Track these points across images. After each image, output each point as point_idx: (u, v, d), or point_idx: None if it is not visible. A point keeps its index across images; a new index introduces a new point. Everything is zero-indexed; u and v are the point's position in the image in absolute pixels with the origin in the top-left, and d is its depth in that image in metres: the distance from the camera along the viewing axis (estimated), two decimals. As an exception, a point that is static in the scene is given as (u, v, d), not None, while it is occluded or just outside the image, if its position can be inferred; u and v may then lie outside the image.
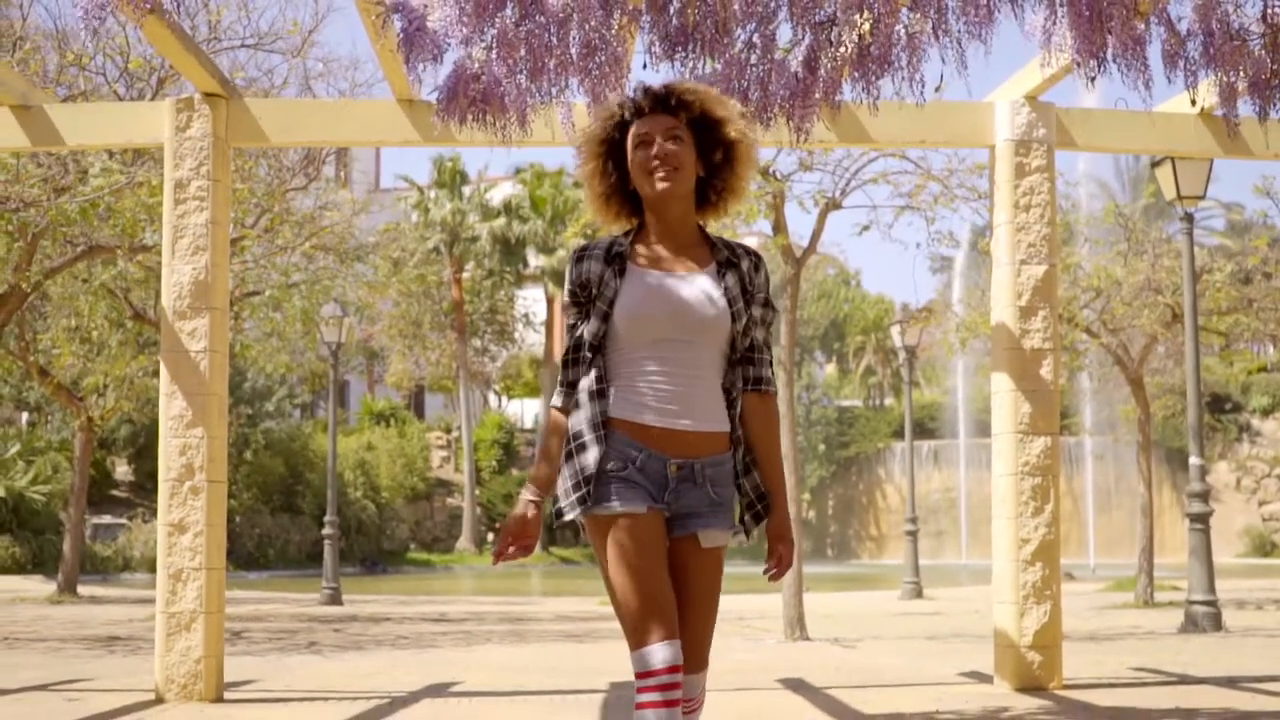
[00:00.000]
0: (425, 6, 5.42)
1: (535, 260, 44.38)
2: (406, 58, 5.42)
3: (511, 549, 3.36)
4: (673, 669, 3.26)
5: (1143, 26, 5.84)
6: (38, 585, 24.35)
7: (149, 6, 4.21)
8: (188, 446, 7.67)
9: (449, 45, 5.41)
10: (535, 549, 3.31)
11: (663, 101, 3.45)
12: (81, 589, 21.23)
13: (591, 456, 3.32)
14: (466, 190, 43.61)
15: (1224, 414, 42.92)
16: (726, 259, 3.47)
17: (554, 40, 5.47)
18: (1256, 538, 41.08)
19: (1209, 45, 5.92)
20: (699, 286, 3.40)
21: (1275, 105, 6.05)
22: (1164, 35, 5.92)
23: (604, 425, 3.35)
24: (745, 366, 3.50)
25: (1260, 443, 43.19)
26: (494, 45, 5.40)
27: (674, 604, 3.32)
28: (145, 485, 35.21)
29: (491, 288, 43.68)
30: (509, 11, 5.37)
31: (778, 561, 3.46)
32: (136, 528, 31.59)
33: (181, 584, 7.62)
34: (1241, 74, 5.95)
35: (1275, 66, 6.02)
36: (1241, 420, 43.60)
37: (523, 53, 5.43)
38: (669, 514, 3.37)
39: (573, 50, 5.49)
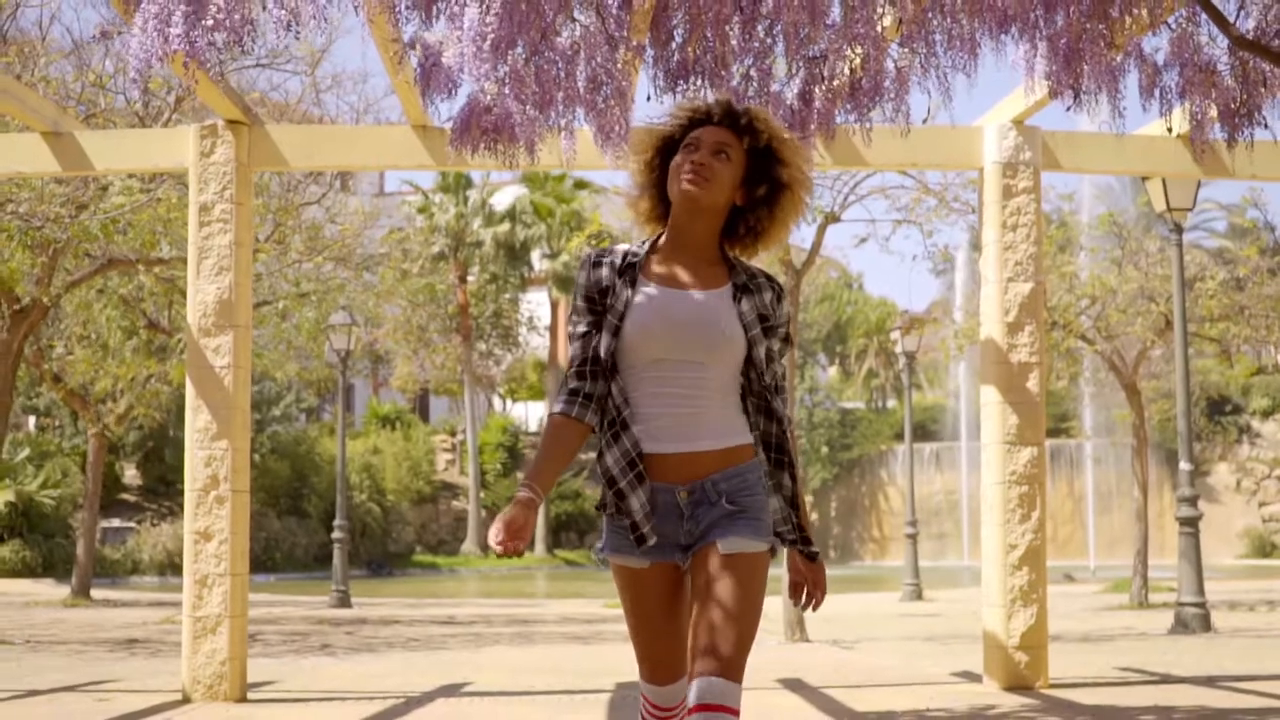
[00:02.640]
0: (440, 44, 5.77)
1: (539, 264, 44.70)
2: (423, 91, 5.78)
3: (509, 545, 3.12)
4: (665, 709, 3.37)
5: (1119, 59, 6.20)
6: (48, 589, 24.70)
7: (196, 60, 4.55)
8: (212, 458, 8.03)
9: (463, 80, 5.77)
10: (526, 548, 3.30)
11: (733, 118, 3.34)
12: (93, 592, 21.58)
13: (636, 504, 3.23)
14: (471, 195, 43.90)
15: (1224, 416, 43.15)
16: (744, 283, 3.33)
17: (562, 75, 5.81)
18: (1256, 539, 41.34)
19: (1183, 76, 6.27)
20: (710, 307, 3.27)
21: (1243, 132, 6.41)
22: (1140, 66, 6.28)
23: (638, 461, 3.23)
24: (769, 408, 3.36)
25: (1260, 444, 43.42)
26: (506, 80, 5.74)
27: (678, 651, 3.31)
28: (154, 489, 35.56)
29: (496, 292, 44.01)
30: (520, 49, 5.70)
31: (812, 588, 3.36)
32: (145, 531, 31.90)
33: (207, 589, 7.98)
34: (1212, 103, 6.32)
35: (1244, 96, 6.37)
36: (1241, 422, 43.83)
37: (533, 87, 5.77)
38: (689, 541, 3.26)
39: (580, 84, 5.84)
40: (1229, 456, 43.29)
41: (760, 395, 3.32)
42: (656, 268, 3.34)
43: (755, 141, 3.31)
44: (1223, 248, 37.65)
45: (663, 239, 3.39)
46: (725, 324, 3.26)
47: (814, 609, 3.40)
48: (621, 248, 3.40)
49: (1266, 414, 43.64)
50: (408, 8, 5.24)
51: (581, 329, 3.32)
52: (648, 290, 3.28)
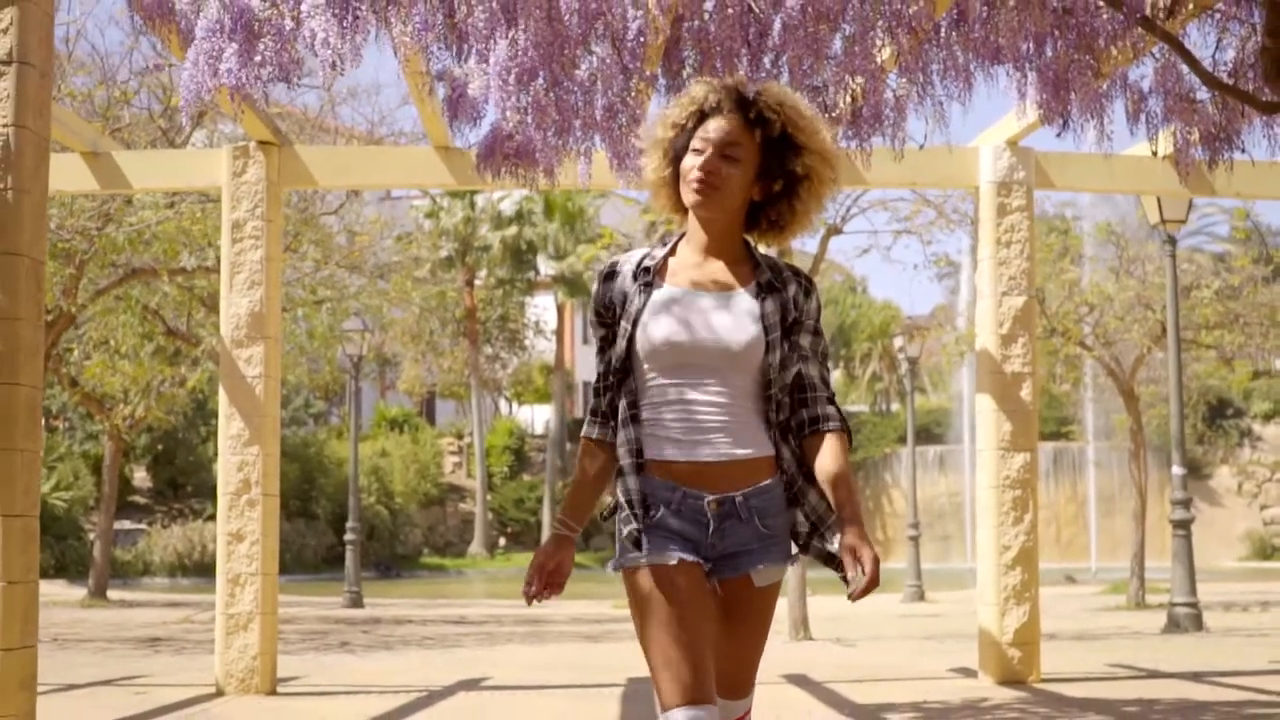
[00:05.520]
0: (467, 76, 6.16)
1: (546, 268, 45.06)
2: (450, 120, 6.18)
3: (545, 591, 3.11)
4: None
5: (1105, 87, 6.60)
6: (62, 590, 25.04)
7: (243, 97, 4.95)
8: (244, 463, 8.44)
9: (487, 109, 6.17)
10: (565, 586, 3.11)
11: (743, 108, 3.12)
12: (108, 593, 21.96)
13: (633, 482, 3.10)
14: (479, 199, 44.23)
15: (1225, 420, 43.45)
16: (769, 281, 3.15)
17: (580, 104, 6.23)
18: (1257, 541, 41.61)
19: (1166, 103, 6.66)
20: (731, 310, 3.10)
21: (1223, 155, 6.80)
22: (1126, 94, 6.67)
23: (639, 453, 3.10)
24: (798, 409, 3.17)
25: (1261, 448, 43.68)
26: (528, 109, 6.14)
27: (707, 664, 3.00)
28: (164, 492, 35.94)
29: (503, 296, 44.38)
30: (541, 80, 6.10)
31: (868, 581, 2.96)
32: (156, 533, 32.26)
33: (240, 588, 8.39)
34: (1194, 128, 6.71)
35: (1224, 122, 6.76)
36: (1243, 425, 44.12)
37: (553, 115, 6.18)
38: (714, 555, 3.09)
39: (596, 112, 6.25)
40: (1230, 460, 43.55)
41: (781, 403, 3.16)
42: (675, 269, 3.18)
43: (768, 131, 3.11)
44: (1226, 252, 38.03)
45: (683, 240, 3.23)
46: (747, 329, 3.09)
47: (856, 594, 2.99)
48: (638, 252, 3.25)
49: (1268, 418, 43.93)
50: (440, 48, 5.63)
51: (598, 345, 3.23)
52: (664, 294, 3.13)
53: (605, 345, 3.20)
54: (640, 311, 3.11)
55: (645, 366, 3.12)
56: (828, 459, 3.13)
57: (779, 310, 3.12)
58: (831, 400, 3.20)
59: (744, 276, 3.16)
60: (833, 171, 3.18)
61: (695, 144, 3.12)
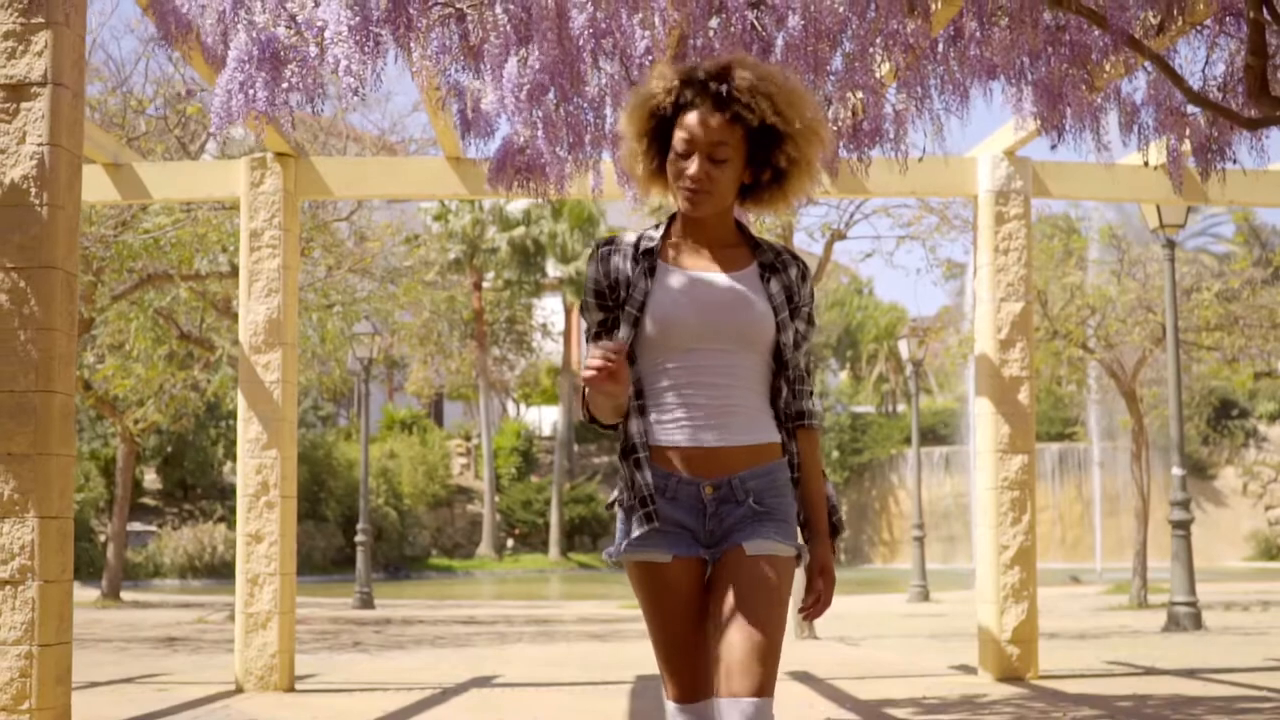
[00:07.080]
0: (480, 91, 6.40)
1: (554, 270, 45.27)
2: (463, 134, 6.41)
3: (608, 372, 2.87)
4: None
5: (1099, 99, 6.82)
6: (75, 590, 25.21)
7: (268, 118, 5.19)
8: (263, 466, 8.68)
9: (499, 123, 6.40)
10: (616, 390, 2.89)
11: (721, 105, 3.00)
12: (121, 594, 22.21)
13: (640, 475, 3.05)
14: (487, 202, 44.42)
15: (1231, 420, 43.58)
16: (770, 262, 3.12)
17: (590, 119, 6.45)
18: (1263, 541, 41.76)
19: (1157, 116, 6.88)
20: (737, 289, 3.06)
21: (1215, 165, 7.01)
22: (1119, 106, 6.88)
23: (647, 446, 3.05)
24: (787, 400, 3.14)
25: (1267, 448, 43.82)
26: (539, 124, 6.37)
27: (703, 660, 3.06)
28: (173, 494, 36.22)
29: (510, 297, 44.60)
30: (552, 96, 6.32)
31: (815, 599, 3.10)
32: (166, 535, 32.50)
33: (258, 587, 8.63)
34: (1186, 139, 6.92)
35: (1214, 134, 6.97)
36: (1248, 426, 44.28)
37: (563, 130, 6.41)
38: (711, 541, 3.06)
39: (606, 127, 6.47)
40: (1236, 460, 43.70)
41: (788, 383, 3.14)
42: (675, 252, 3.13)
43: (749, 123, 3.02)
44: (1230, 253, 38.19)
45: (676, 221, 3.16)
46: (756, 307, 3.06)
47: (809, 615, 3.14)
48: (633, 234, 3.18)
49: (1273, 418, 44.08)
50: (458, 70, 5.86)
51: (595, 329, 3.14)
52: (670, 276, 3.08)
53: (603, 330, 3.12)
54: (648, 294, 3.05)
55: (653, 350, 3.06)
56: (810, 460, 3.16)
57: (783, 290, 3.10)
58: (813, 394, 3.20)
59: (744, 258, 3.13)
60: (821, 143, 3.09)
61: (679, 145, 3.02)
